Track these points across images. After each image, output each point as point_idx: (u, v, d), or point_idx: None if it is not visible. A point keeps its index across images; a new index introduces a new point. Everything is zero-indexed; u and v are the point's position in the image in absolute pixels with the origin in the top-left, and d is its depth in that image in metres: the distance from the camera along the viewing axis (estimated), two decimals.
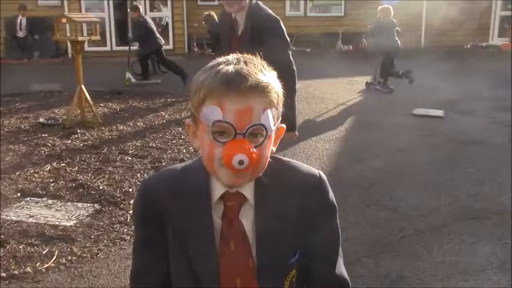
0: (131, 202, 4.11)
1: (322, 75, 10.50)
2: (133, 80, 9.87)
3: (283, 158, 1.17)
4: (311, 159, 5.25)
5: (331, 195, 1.16)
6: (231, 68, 1.01)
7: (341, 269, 1.18)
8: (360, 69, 10.91)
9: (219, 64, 1.04)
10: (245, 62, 1.03)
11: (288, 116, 2.88)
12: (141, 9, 10.75)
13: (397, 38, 9.30)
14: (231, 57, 1.06)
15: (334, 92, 9.13)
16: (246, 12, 2.94)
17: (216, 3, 14.30)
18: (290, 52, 3.03)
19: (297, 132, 3.14)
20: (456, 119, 7.15)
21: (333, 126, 6.73)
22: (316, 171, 1.16)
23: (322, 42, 14.92)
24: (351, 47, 14.95)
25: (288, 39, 3.06)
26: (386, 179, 4.73)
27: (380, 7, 9.77)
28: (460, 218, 3.87)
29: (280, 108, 1.07)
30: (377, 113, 7.48)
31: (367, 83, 9.72)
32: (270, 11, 3.02)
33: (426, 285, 2.98)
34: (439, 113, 7.36)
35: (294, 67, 3.04)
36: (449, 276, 3.06)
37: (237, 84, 0.98)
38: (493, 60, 12.82)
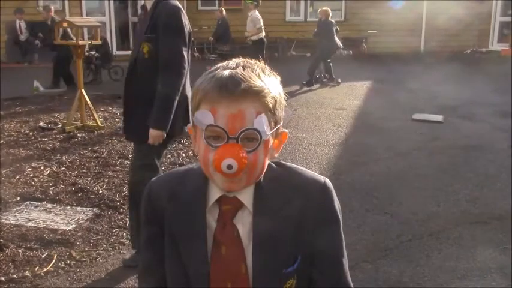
0: None
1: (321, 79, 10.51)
2: (41, 88, 9.26)
3: (287, 163, 1.15)
4: (310, 164, 5.25)
5: (336, 203, 1.12)
6: (226, 72, 1.01)
7: (346, 278, 1.14)
8: (359, 73, 10.92)
9: (217, 69, 1.04)
10: (243, 67, 1.02)
11: (158, 112, 2.75)
12: (53, 10, 10.10)
13: (336, 38, 9.75)
14: (232, 61, 1.05)
15: (333, 97, 9.14)
16: (154, 1, 2.97)
17: (217, 7, 14.33)
18: (184, 49, 2.85)
19: (164, 133, 2.84)
20: (455, 124, 7.15)
21: (333, 130, 6.74)
22: (321, 177, 1.13)
23: None
24: (351, 51, 14.98)
25: (186, 34, 2.90)
26: (386, 184, 4.73)
27: (319, 9, 10.44)
28: (460, 223, 3.87)
29: (280, 114, 1.05)
30: (376, 117, 7.48)
31: (315, 77, 10.22)
32: (176, 5, 2.94)
33: None
34: (439, 118, 7.37)
35: (183, 65, 2.83)
36: (449, 281, 3.06)
37: (229, 89, 0.98)
38: (493, 66, 12.84)
